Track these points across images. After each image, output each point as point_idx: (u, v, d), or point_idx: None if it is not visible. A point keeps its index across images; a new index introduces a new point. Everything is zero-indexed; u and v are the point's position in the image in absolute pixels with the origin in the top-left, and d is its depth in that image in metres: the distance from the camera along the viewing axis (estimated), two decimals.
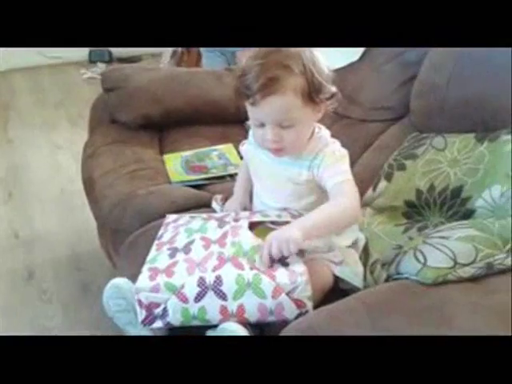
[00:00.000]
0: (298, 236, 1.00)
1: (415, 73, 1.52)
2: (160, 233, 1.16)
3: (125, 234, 1.40)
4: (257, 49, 1.08)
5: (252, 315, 0.98)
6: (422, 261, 0.98)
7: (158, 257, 1.06)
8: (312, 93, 1.05)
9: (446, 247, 0.99)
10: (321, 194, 1.15)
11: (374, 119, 1.62)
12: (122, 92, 1.83)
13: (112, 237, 1.51)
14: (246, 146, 1.26)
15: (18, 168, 2.69)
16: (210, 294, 0.98)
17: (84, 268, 1.98)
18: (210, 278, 0.99)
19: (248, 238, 1.05)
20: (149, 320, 1.00)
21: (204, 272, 1.00)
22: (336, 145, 1.15)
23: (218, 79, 1.92)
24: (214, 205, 1.33)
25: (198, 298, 0.98)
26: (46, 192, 2.40)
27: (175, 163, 1.68)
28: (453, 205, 1.27)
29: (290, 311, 0.98)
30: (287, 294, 0.97)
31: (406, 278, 1.00)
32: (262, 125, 1.09)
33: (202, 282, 0.99)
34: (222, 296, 0.98)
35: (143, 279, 1.01)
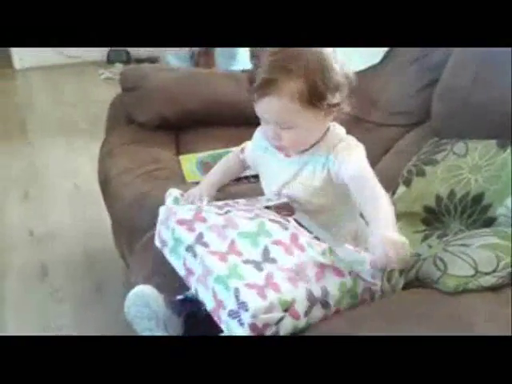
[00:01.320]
0: (403, 239, 0.93)
1: (436, 77, 1.50)
2: (194, 236, 0.97)
3: (140, 235, 1.39)
4: None
5: None
6: (442, 268, 0.96)
7: (238, 271, 0.93)
8: (312, 98, 1.02)
9: (467, 255, 0.97)
10: (333, 197, 1.12)
11: (393, 123, 1.60)
12: (140, 92, 1.83)
13: (127, 237, 1.51)
14: (251, 152, 1.24)
15: (35, 167, 2.70)
16: (318, 307, 0.91)
17: (97, 267, 1.98)
18: (317, 291, 0.91)
19: (350, 251, 0.96)
20: None
21: (308, 282, 0.92)
22: (351, 139, 1.12)
23: (234, 81, 1.91)
24: (169, 201, 1.16)
25: (307, 312, 0.90)
26: (61, 191, 2.41)
27: (191, 164, 1.67)
28: (473, 212, 1.24)
29: None
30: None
31: (426, 286, 0.98)
32: (265, 121, 1.09)
33: (310, 295, 0.91)
34: (326, 306, 0.92)
35: (253, 299, 0.88)
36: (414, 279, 1.02)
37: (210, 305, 0.93)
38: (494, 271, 0.95)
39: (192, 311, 1.10)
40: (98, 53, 3.96)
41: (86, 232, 2.18)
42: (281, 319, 0.87)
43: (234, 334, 0.89)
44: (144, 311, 1.02)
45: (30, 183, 2.51)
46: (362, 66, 1.68)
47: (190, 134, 1.84)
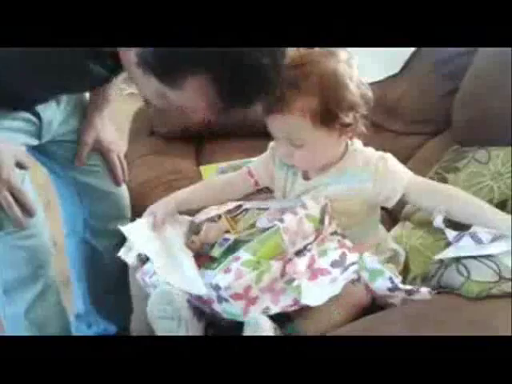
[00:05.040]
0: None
1: (456, 85, 1.49)
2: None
3: None
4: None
5: None
6: (466, 274, 0.95)
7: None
8: (324, 117, 0.98)
9: (491, 260, 0.96)
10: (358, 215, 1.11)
11: (414, 132, 1.60)
12: None
13: None
14: (266, 169, 1.20)
15: None
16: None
17: None
18: None
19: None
20: None
21: None
22: (373, 150, 1.12)
23: None
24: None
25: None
26: None
27: (212, 174, 1.68)
28: None
29: None
30: None
31: (448, 292, 0.97)
32: (276, 138, 1.07)
33: None
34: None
35: (221, 277, 0.97)
36: (437, 285, 1.01)
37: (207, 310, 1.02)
38: None
39: (212, 321, 1.09)
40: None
41: None
42: (258, 274, 0.93)
43: (237, 320, 0.95)
44: (167, 309, 0.99)
45: (52, 192, 2.54)
46: (381, 75, 1.68)
47: (211, 144, 1.86)
